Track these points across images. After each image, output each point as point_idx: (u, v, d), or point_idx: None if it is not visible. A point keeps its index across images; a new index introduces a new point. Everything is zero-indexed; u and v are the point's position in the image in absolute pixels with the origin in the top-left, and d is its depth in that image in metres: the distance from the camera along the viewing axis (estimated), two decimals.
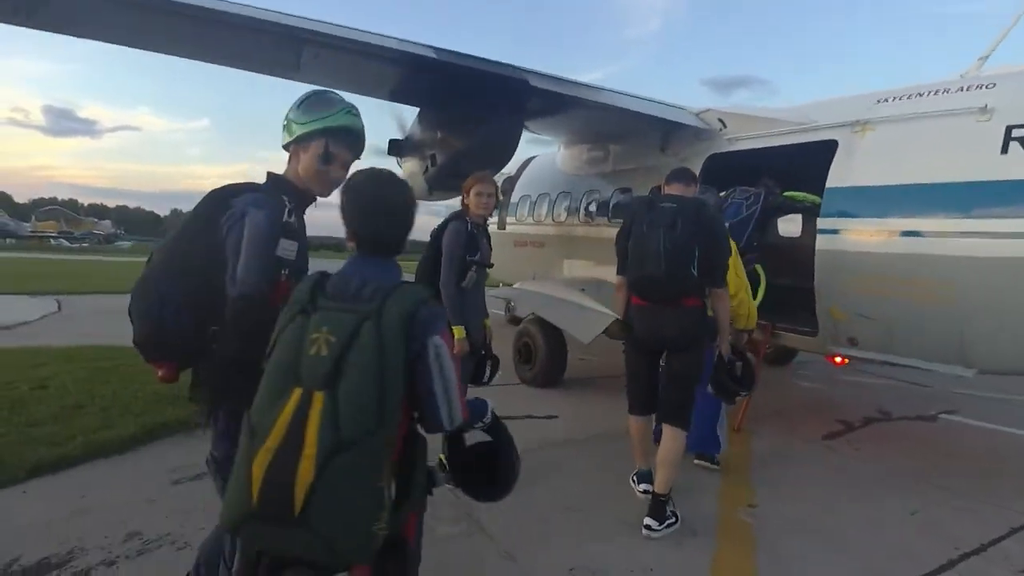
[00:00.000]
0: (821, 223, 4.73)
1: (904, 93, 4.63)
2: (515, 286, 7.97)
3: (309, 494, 1.34)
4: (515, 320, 10.39)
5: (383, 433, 1.41)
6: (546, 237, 8.82)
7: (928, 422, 6.08)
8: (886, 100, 4.70)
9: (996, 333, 3.88)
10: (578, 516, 3.58)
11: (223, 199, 1.93)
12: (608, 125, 6.65)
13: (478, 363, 3.81)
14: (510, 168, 10.59)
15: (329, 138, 1.99)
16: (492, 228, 10.22)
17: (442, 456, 1.79)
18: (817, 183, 4.88)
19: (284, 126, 2.03)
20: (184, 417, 4.65)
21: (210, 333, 1.85)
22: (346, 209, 1.67)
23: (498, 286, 10.78)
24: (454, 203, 5.25)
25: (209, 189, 2.03)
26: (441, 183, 7.04)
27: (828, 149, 4.83)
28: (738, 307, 4.06)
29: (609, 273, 7.12)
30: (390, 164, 8.39)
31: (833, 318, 4.74)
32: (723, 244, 3.52)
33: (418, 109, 6.94)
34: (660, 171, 6.60)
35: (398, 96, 6.41)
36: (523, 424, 5.21)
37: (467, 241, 3.72)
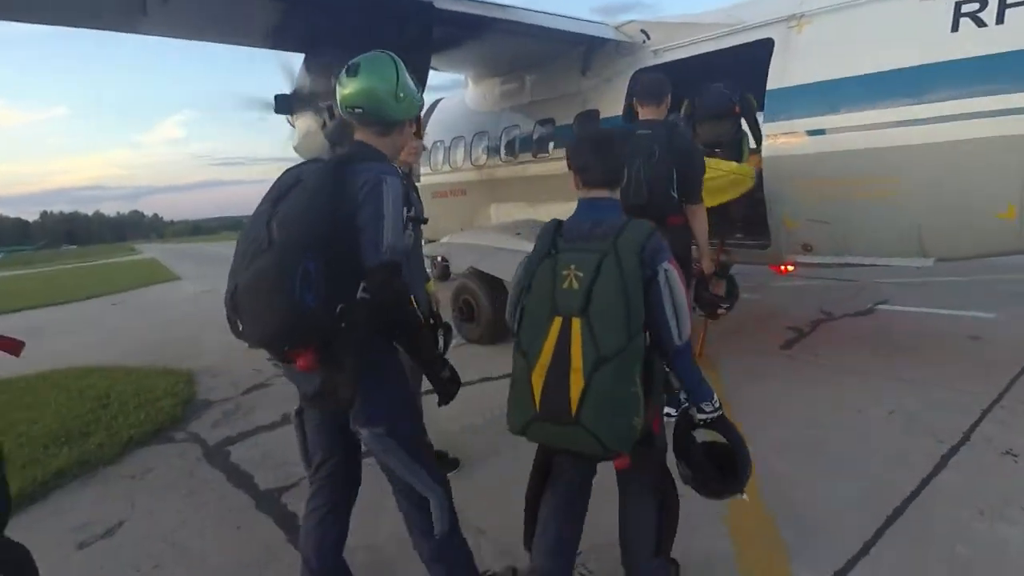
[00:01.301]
0: (766, 128, 4.46)
1: None
2: (443, 240, 7.40)
3: (581, 400, 1.70)
4: (444, 275, 9.85)
5: (633, 347, 1.72)
6: (468, 184, 8.21)
7: (867, 316, 6.23)
8: None
9: (953, 220, 3.80)
10: None
11: (340, 170, 1.88)
12: (522, 50, 6.04)
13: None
14: None
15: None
16: None
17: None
18: (757, 86, 4.58)
19: (399, 99, 2.00)
20: (84, 455, 3.88)
21: (338, 311, 1.79)
22: (572, 154, 2.04)
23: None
24: None
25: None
26: (344, 137, 6.25)
27: (764, 49, 4.51)
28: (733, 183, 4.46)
29: (542, 212, 6.78)
30: (279, 122, 7.44)
31: (786, 226, 4.56)
32: (698, 164, 3.67)
33: (303, 55, 6.04)
34: (583, 96, 6.19)
35: (276, 41, 5.51)
36: (481, 388, 4.82)
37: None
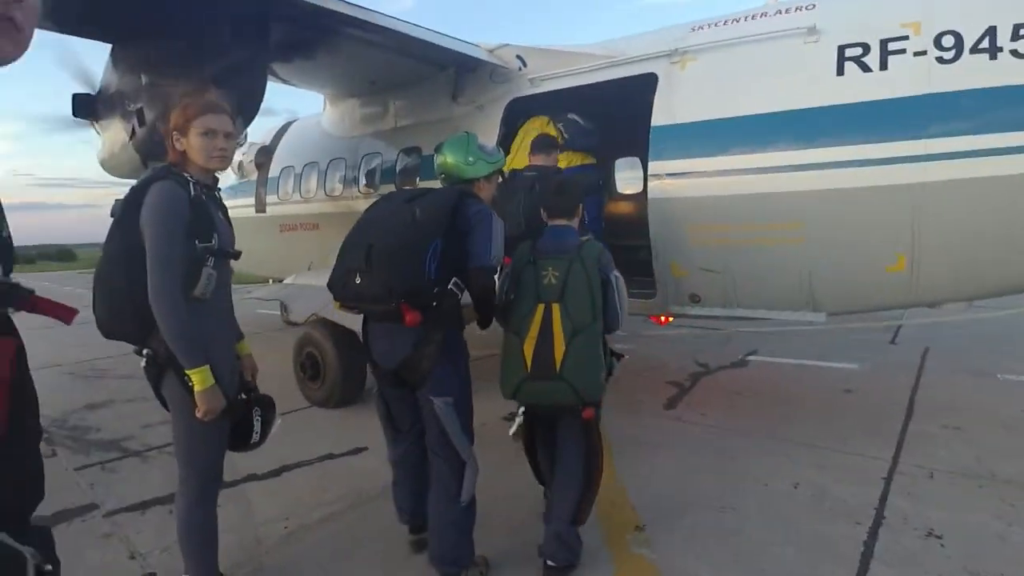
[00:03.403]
0: (652, 167, 4.08)
1: (719, 20, 4.14)
2: (287, 281, 6.28)
3: (563, 360, 2.41)
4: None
5: (596, 324, 2.47)
6: (320, 216, 7.18)
7: (742, 368, 6.10)
8: (701, 28, 4.17)
9: (844, 272, 3.59)
10: None
11: (461, 196, 2.52)
12: (383, 66, 5.31)
13: (238, 418, 2.35)
14: (264, 136, 8.63)
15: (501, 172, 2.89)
16: (249, 212, 8.24)
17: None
18: (640, 123, 4.22)
19: (469, 163, 2.68)
20: None
21: (435, 292, 2.36)
22: (542, 197, 2.90)
23: (268, 283, 8.84)
24: None
25: None
26: (159, 147, 5.08)
27: (647, 84, 4.18)
28: None
29: None
30: (78, 132, 6.01)
31: (673, 275, 4.17)
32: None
33: (110, 47, 4.87)
34: (454, 124, 5.52)
35: (69, 24, 4.33)
36: (321, 470, 3.79)
37: (193, 213, 2.17)
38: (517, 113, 5.04)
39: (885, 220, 3.37)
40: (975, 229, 3.26)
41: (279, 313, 8.69)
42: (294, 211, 7.50)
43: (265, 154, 8.22)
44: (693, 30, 4.21)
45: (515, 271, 2.61)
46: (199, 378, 2.11)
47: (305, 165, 7.47)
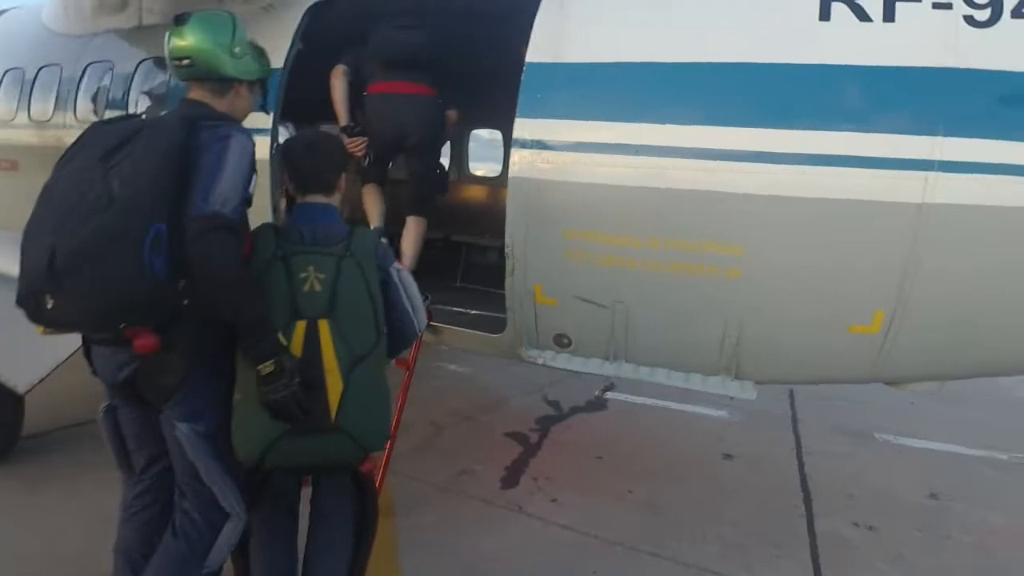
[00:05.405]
0: (519, 129, 2.54)
1: None
2: None
3: (340, 403, 1.67)
4: None
5: (382, 343, 1.78)
6: (21, 150, 4.70)
7: (600, 411, 4.89)
8: None
9: (792, 327, 2.35)
10: None
11: (192, 125, 1.66)
12: None
13: None
14: None
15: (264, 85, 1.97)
16: None
17: None
18: (509, 54, 2.69)
19: (233, 54, 1.78)
20: None
21: (180, 287, 1.60)
22: (287, 160, 1.93)
23: None
24: None
25: None
26: None
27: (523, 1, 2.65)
28: None
29: None
30: None
31: (536, 302, 2.68)
32: None
33: None
34: None
35: None
36: None
37: None
38: (323, 24, 3.26)
39: (869, 254, 2.17)
40: (977, 278, 2.18)
41: None
42: None
43: None
44: None
45: (256, 270, 1.74)
46: None
47: (6, 72, 4.91)
